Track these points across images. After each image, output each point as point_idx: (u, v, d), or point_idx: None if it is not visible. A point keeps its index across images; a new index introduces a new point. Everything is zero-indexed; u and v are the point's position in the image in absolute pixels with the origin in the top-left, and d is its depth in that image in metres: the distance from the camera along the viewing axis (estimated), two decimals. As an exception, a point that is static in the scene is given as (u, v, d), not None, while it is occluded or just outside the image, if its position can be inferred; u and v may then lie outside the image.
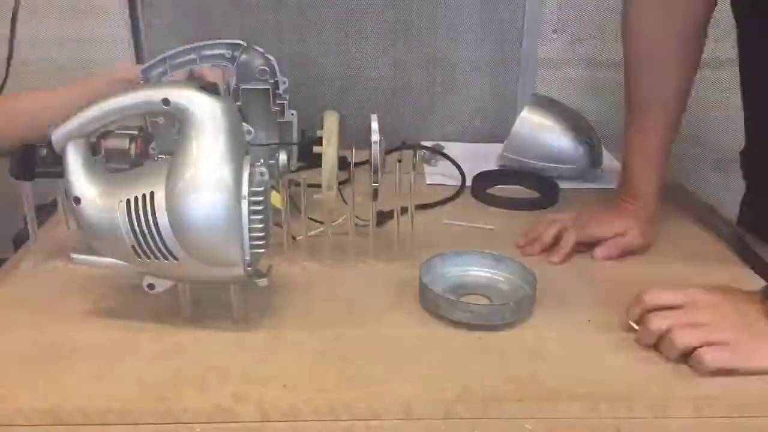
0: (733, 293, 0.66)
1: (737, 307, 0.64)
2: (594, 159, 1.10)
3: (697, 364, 0.61)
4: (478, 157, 1.16)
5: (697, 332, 0.62)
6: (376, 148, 0.75)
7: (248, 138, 0.66)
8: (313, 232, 0.81)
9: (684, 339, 0.62)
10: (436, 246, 0.77)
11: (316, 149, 0.74)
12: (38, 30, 1.24)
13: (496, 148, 1.15)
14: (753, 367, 0.61)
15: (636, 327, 0.65)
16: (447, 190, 1.04)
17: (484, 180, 1.06)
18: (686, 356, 0.62)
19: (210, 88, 0.60)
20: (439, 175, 1.11)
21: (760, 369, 0.61)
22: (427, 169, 1.15)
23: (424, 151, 1.20)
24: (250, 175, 0.60)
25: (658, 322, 0.63)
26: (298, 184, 0.79)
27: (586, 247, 0.84)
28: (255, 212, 0.60)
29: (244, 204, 0.60)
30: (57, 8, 1.24)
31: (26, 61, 1.25)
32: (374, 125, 0.76)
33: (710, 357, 0.60)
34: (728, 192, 1.34)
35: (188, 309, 0.66)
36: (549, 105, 1.13)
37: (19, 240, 0.88)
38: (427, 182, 1.09)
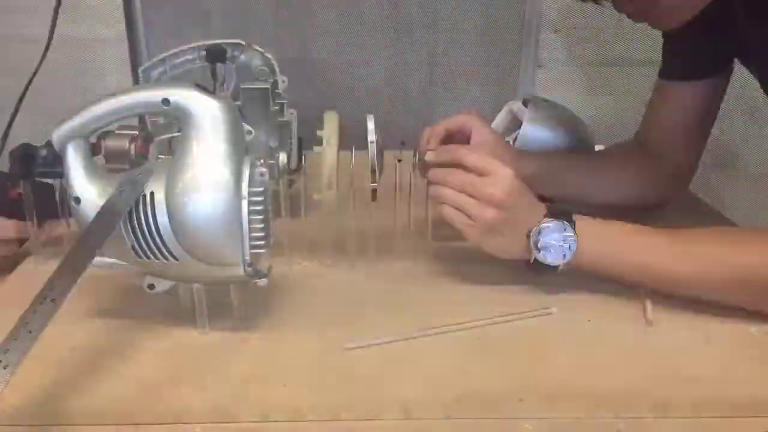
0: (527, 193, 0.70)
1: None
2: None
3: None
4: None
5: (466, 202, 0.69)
6: (372, 148, 0.75)
7: (248, 138, 0.66)
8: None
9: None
10: (436, 246, 0.77)
11: (316, 149, 0.74)
12: (35, 29, 1.24)
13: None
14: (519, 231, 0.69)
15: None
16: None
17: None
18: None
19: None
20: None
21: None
22: (427, 168, 1.14)
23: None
24: (250, 175, 0.60)
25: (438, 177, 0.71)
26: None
27: None
28: (255, 212, 0.60)
29: (244, 204, 0.59)
30: (53, 7, 1.23)
31: (24, 60, 1.25)
32: (370, 125, 0.76)
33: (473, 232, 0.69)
34: (729, 192, 1.34)
35: (189, 309, 0.66)
36: (548, 106, 1.12)
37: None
38: (428, 182, 1.09)
